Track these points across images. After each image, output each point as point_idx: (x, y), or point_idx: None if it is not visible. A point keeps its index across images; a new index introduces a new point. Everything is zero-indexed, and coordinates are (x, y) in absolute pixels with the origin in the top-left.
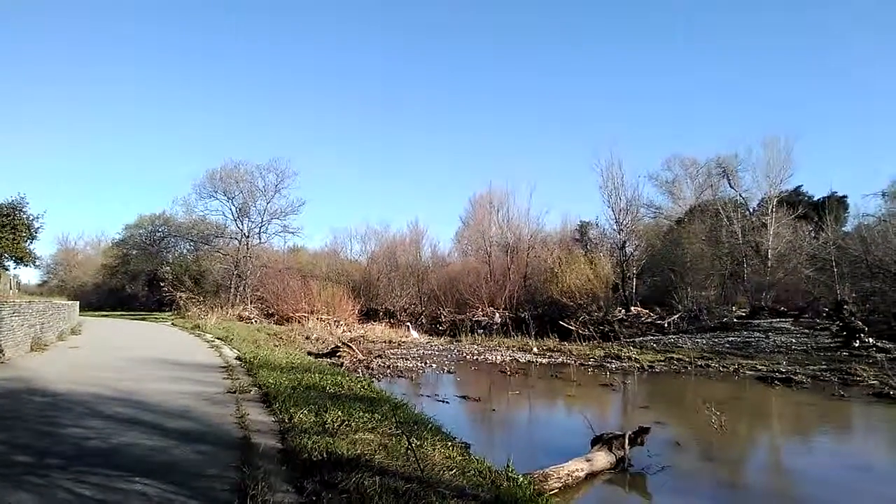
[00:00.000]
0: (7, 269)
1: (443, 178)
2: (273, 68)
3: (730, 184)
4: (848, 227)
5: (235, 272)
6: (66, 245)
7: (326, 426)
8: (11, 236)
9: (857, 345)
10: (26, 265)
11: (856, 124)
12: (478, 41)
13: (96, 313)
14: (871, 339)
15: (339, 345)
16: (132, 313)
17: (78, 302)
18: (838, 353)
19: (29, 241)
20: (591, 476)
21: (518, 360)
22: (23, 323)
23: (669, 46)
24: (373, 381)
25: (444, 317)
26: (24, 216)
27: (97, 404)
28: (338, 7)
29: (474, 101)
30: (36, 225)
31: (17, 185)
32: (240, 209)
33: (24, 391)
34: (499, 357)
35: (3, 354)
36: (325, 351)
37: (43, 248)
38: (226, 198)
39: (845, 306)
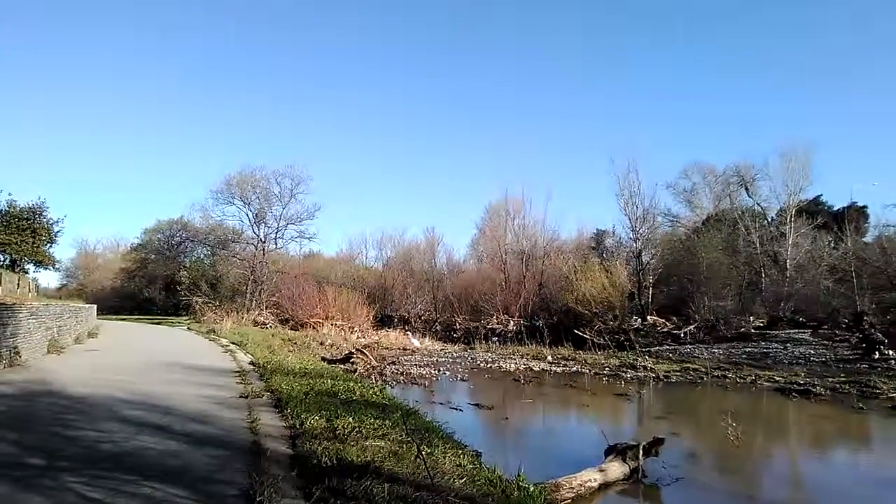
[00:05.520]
0: (27, 272)
1: (459, 185)
2: (291, 74)
3: (748, 193)
4: (868, 238)
5: (251, 277)
6: (86, 249)
7: (337, 432)
8: (31, 240)
9: (876, 357)
10: (46, 268)
11: (880, 134)
12: (496, 50)
13: (114, 317)
14: (890, 352)
15: (353, 351)
16: (149, 317)
17: (95, 305)
18: (857, 365)
19: (48, 244)
20: (605, 487)
21: (532, 369)
22: (40, 326)
23: (690, 55)
24: (386, 388)
25: (459, 324)
26: (44, 220)
27: (111, 407)
28: (359, 13)
29: (491, 109)
30: (55, 229)
31: (37, 190)
32: (256, 214)
33: (39, 393)
34: (512, 365)
35: (20, 357)
36: (338, 357)
37: (62, 251)
38: (242, 203)
39: (865, 318)
